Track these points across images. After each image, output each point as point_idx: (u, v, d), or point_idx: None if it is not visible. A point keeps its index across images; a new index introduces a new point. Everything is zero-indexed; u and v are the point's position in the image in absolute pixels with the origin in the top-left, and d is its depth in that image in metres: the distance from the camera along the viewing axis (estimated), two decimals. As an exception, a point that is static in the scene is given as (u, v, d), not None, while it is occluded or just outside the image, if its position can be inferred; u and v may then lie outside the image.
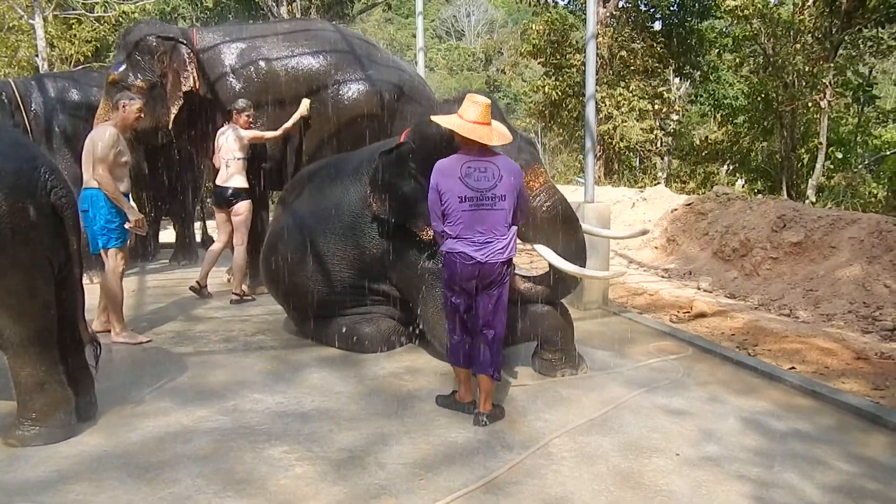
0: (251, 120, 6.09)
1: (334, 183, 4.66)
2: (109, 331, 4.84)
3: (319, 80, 6.34)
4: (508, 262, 3.43)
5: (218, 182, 6.17)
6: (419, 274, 4.17)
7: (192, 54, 6.09)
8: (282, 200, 5.20)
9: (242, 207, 6.14)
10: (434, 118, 3.58)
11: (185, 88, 6.02)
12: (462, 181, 3.27)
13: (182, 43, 6.08)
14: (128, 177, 4.84)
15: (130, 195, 4.94)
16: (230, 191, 6.11)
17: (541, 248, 3.98)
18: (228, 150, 6.05)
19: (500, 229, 3.33)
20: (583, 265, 4.10)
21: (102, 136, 4.62)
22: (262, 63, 6.29)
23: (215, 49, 6.32)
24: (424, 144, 3.94)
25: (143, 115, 4.96)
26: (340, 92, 6.35)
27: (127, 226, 4.70)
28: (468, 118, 3.34)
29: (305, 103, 6.21)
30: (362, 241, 4.36)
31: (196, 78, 6.06)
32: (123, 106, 4.79)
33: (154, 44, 6.07)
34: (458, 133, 3.34)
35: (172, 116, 6.09)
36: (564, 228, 4.00)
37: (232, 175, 6.09)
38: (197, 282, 6.28)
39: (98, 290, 4.92)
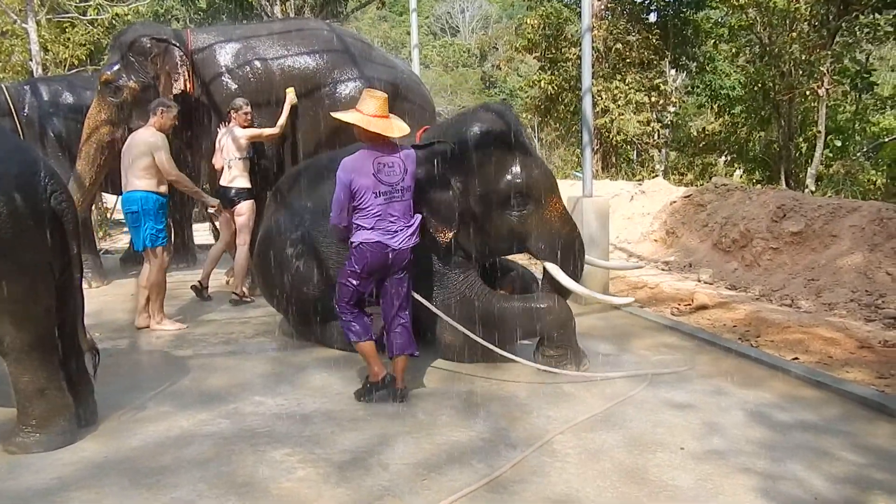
0: (250, 118, 6.06)
1: (327, 181, 4.60)
2: (149, 326, 5.31)
3: (314, 79, 6.32)
4: (413, 248, 3.67)
5: (221, 182, 6.15)
6: (439, 275, 4.14)
7: (184, 56, 6.08)
8: (273, 199, 5.14)
9: (245, 208, 6.12)
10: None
11: (176, 90, 6.00)
12: (375, 177, 3.48)
13: (174, 45, 6.06)
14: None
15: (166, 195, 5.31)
16: (233, 191, 6.10)
17: (551, 267, 4.09)
18: (229, 150, 6.03)
19: (407, 217, 3.62)
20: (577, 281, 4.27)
21: (157, 143, 5.08)
22: (256, 63, 6.27)
23: (209, 50, 6.30)
24: (460, 147, 4.00)
25: (177, 121, 5.41)
26: (336, 91, 6.33)
27: (210, 210, 5.98)
28: (367, 112, 3.51)
29: (291, 92, 6.20)
30: None
31: (188, 80, 6.05)
32: (162, 112, 5.21)
33: (147, 45, 6.06)
34: (359, 126, 3.51)
35: None
36: (572, 254, 4.17)
37: (235, 176, 6.08)
38: (199, 281, 6.27)
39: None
